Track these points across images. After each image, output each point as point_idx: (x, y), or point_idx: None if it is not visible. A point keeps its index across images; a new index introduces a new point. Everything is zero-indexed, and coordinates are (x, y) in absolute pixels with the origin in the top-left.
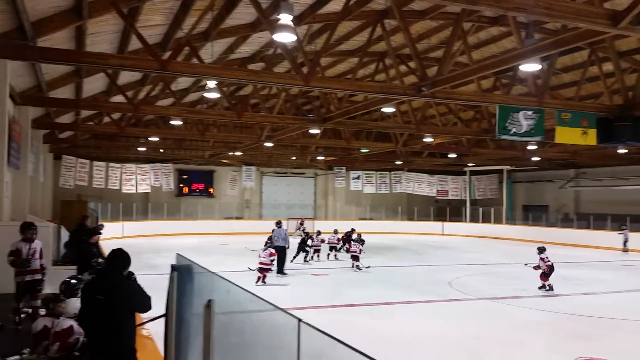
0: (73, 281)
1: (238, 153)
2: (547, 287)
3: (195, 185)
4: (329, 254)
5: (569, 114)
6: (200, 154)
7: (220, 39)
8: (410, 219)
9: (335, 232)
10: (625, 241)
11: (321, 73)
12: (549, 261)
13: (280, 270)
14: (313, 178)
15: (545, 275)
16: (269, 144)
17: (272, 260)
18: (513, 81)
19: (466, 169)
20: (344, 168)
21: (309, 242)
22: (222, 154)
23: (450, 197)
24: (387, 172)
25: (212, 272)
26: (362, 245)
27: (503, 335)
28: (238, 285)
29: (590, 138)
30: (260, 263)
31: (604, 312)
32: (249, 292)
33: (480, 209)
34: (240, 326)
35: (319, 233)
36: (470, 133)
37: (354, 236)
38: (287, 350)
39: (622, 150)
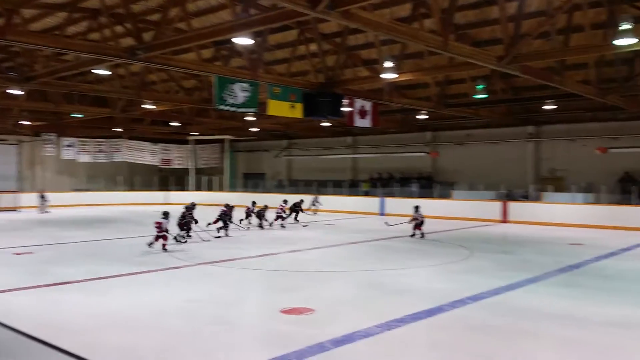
0: None
1: None
2: (421, 235)
3: None
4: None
5: (280, 89)
6: None
7: None
8: (132, 189)
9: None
10: (313, 204)
11: (23, 26)
12: (422, 216)
13: None
14: (17, 145)
15: (420, 225)
16: None
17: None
18: (231, 53)
19: (190, 137)
20: (54, 134)
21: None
22: None
23: (174, 166)
24: (106, 140)
25: None
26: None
27: (218, 296)
28: None
29: (297, 111)
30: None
31: (307, 266)
32: None
33: (204, 178)
34: None
35: None
36: (191, 102)
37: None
38: None
39: (325, 124)
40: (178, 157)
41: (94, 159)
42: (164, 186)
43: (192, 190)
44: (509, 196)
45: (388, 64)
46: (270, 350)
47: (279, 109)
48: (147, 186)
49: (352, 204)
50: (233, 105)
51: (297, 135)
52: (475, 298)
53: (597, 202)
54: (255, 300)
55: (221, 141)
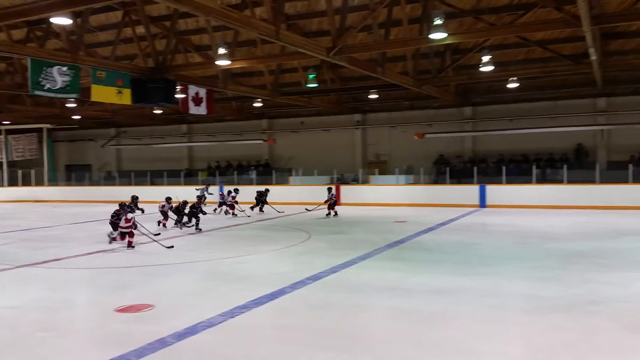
0: None
1: None
2: (334, 213)
3: None
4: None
5: (104, 73)
6: None
7: None
8: None
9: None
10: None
11: None
12: (334, 196)
13: None
14: None
15: (333, 206)
16: None
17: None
18: (47, 34)
19: (1, 127)
20: None
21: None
22: None
23: None
24: None
25: None
26: None
27: (43, 300)
28: None
29: (125, 97)
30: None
31: (144, 261)
32: None
33: (20, 171)
34: None
35: None
36: (1, 87)
37: None
38: None
39: (158, 111)
40: None
41: None
42: None
43: (6, 185)
44: (340, 180)
45: (221, 51)
46: (107, 352)
47: (104, 94)
48: None
49: (190, 194)
50: (51, 90)
51: (126, 123)
52: (314, 278)
53: (417, 182)
54: (86, 301)
55: (39, 130)
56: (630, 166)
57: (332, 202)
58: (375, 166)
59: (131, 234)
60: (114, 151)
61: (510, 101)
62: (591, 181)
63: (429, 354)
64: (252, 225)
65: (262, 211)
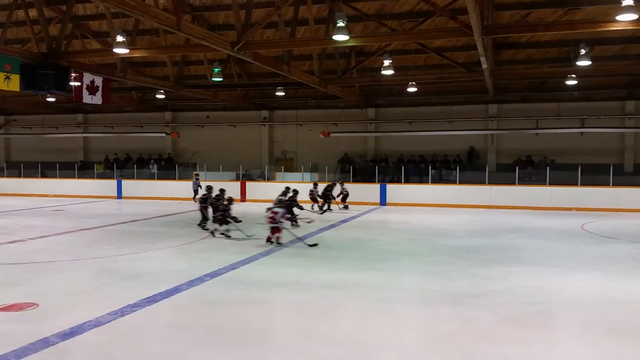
0: None
1: None
2: (344, 207)
3: None
4: None
5: None
6: None
7: None
8: None
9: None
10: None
11: None
12: (346, 190)
13: None
14: None
15: (344, 199)
16: None
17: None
18: None
19: None
20: None
21: None
22: None
23: None
24: None
25: None
26: None
27: None
28: None
29: (13, 84)
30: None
31: (30, 257)
32: None
33: None
34: None
35: None
36: None
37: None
38: None
39: (51, 99)
40: None
41: None
42: None
43: None
44: (246, 176)
45: (119, 38)
46: None
47: None
48: None
49: (84, 187)
50: None
51: (16, 110)
52: (213, 275)
53: (322, 180)
54: None
55: None
56: (517, 169)
57: (345, 196)
58: (282, 163)
59: (278, 229)
60: (2, 140)
61: (410, 104)
62: (481, 182)
63: (320, 346)
64: (152, 222)
65: (330, 209)
